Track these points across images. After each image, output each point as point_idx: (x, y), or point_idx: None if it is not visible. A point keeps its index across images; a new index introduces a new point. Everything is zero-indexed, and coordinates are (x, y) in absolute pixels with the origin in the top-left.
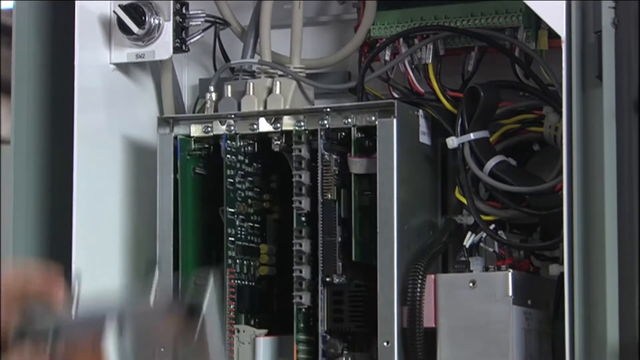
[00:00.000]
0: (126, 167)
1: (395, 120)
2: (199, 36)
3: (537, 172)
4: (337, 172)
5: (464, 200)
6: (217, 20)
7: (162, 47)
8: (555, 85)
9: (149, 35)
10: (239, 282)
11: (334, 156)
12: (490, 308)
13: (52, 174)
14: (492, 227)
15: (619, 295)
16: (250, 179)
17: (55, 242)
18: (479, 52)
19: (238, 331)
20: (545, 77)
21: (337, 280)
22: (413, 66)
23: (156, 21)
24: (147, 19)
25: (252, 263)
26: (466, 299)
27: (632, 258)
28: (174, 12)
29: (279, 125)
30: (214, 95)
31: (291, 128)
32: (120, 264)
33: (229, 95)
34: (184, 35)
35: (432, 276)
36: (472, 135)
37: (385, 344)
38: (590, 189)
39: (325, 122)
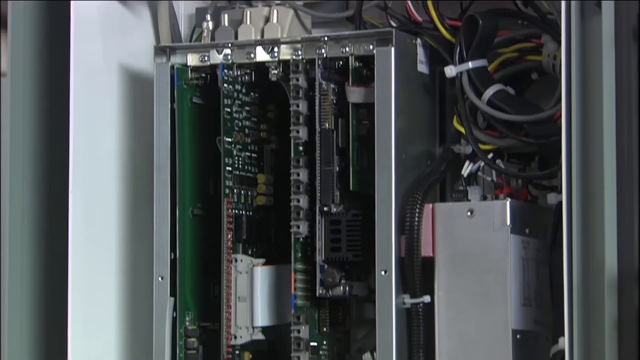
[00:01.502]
0: (123, 97)
1: (393, 49)
2: None
3: (536, 101)
4: (334, 101)
5: (462, 130)
6: None
7: None
8: (554, 13)
9: None
10: (236, 211)
11: (332, 85)
12: (488, 237)
13: (49, 106)
14: (490, 156)
15: (618, 223)
16: (247, 108)
17: (53, 172)
18: None
19: (236, 261)
20: (544, 5)
21: (334, 209)
22: None
23: None
24: None
25: (249, 193)
26: (464, 228)
27: (630, 186)
28: None
29: (276, 54)
30: (210, 24)
31: (288, 57)
32: (117, 195)
33: (226, 24)
34: None
35: (430, 205)
36: (470, 64)
37: (382, 272)
38: (589, 117)
39: (323, 51)
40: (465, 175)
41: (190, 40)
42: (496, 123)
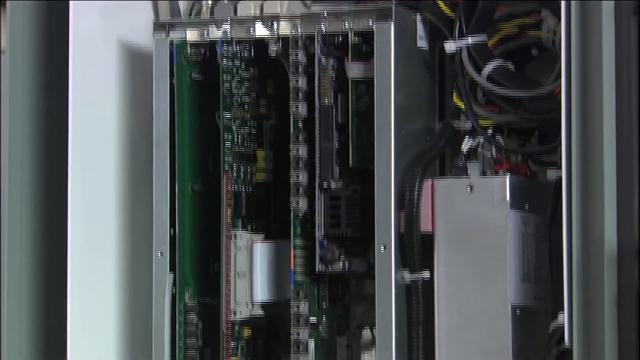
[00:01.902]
0: (122, 73)
1: (392, 25)
2: None
3: (536, 77)
4: (334, 77)
5: (462, 105)
6: None
7: None
8: None
9: None
10: (236, 187)
11: (331, 61)
12: (488, 213)
13: (48, 83)
14: (489, 131)
15: (617, 199)
16: (246, 84)
17: (51, 149)
18: None
19: (235, 237)
20: None
21: (334, 185)
22: None
23: None
24: None
25: (249, 169)
26: (463, 203)
27: (630, 162)
28: None
29: (275, 30)
30: (209, 0)
31: (288, 33)
32: (116, 171)
33: None
34: None
35: (430, 181)
36: (470, 40)
37: (382, 248)
38: (589, 93)
39: (322, 26)
40: (464, 151)
41: (190, 16)
42: (496, 98)
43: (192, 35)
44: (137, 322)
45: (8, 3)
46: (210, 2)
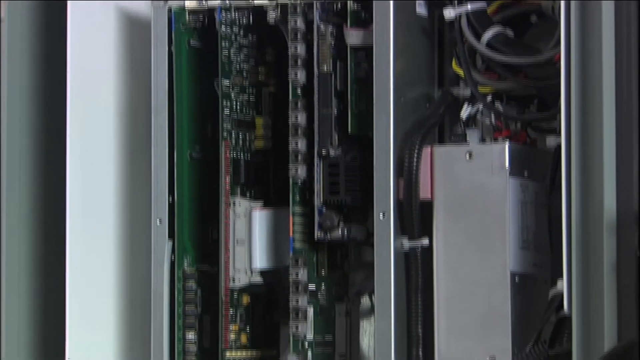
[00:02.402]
0: (120, 40)
1: None
2: None
3: (535, 45)
4: (333, 44)
5: (461, 72)
6: None
7: None
8: None
9: None
10: (234, 155)
11: (330, 28)
12: (487, 180)
13: (46, 49)
14: (488, 98)
15: (616, 166)
16: (245, 51)
17: (50, 116)
18: None
19: (234, 204)
20: None
21: (332, 152)
22: None
23: None
24: None
25: (247, 136)
26: (462, 170)
27: (629, 128)
28: None
29: None
30: None
31: (286, 0)
32: (115, 138)
33: None
34: None
35: (429, 148)
36: (469, 6)
37: (381, 215)
38: (588, 59)
39: None
40: (463, 118)
41: None
42: (495, 65)
43: (190, 2)
44: (135, 295)
45: None
46: None
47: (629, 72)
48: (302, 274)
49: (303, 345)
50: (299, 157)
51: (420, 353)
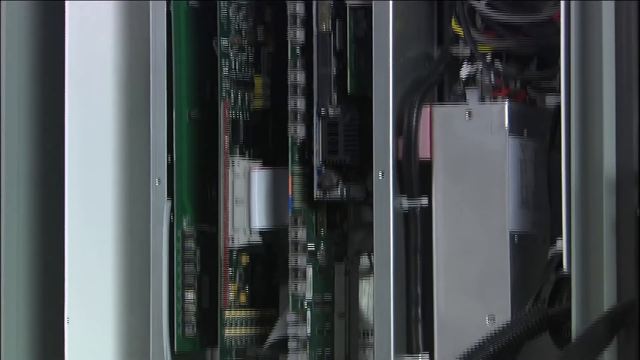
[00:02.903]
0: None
1: None
2: None
3: (534, 3)
4: (332, 3)
5: (460, 31)
6: None
7: None
8: None
9: None
10: (233, 114)
11: None
12: (486, 139)
13: (44, 11)
14: (488, 57)
15: (616, 124)
16: (244, 10)
17: (48, 73)
18: None
19: (233, 164)
20: None
21: (332, 112)
22: None
23: None
24: None
25: (246, 96)
26: (462, 130)
27: (629, 87)
28: None
29: None
30: None
31: None
32: (113, 98)
33: None
34: None
35: (428, 107)
36: None
37: (380, 175)
38: (588, 17)
39: None
40: (463, 77)
41: None
42: (494, 24)
43: None
44: (134, 255)
45: None
46: None
47: (628, 29)
48: (301, 234)
49: (302, 304)
50: (298, 117)
51: (419, 312)
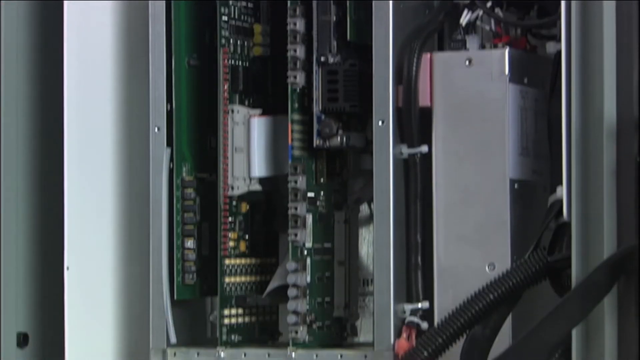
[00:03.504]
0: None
1: None
2: None
3: None
4: None
5: None
6: None
7: None
8: None
9: None
10: (232, 62)
11: None
12: (486, 86)
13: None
14: (488, 4)
15: (617, 71)
16: None
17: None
18: None
19: (232, 111)
20: None
21: (331, 59)
22: None
23: None
24: None
25: (245, 43)
26: (462, 77)
27: (629, 33)
28: None
29: None
30: None
31: None
32: (112, 43)
33: None
34: None
35: (428, 55)
36: None
37: (380, 123)
38: None
39: None
40: (463, 24)
41: None
42: None
43: None
44: (134, 203)
45: None
46: None
47: None
48: (301, 182)
49: (302, 252)
50: (298, 64)
51: (419, 260)
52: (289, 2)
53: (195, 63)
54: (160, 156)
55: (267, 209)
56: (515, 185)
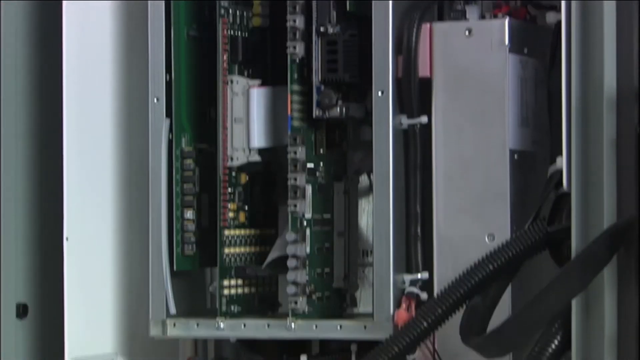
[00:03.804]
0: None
1: None
2: None
3: None
4: None
5: None
6: None
7: None
8: None
9: None
10: (232, 32)
11: None
12: (486, 56)
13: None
14: None
15: (617, 41)
16: None
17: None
18: None
19: (231, 82)
20: None
21: (331, 30)
22: None
23: None
24: None
25: (245, 13)
26: (462, 47)
27: (630, 2)
28: None
29: None
30: None
31: None
32: (111, 14)
33: None
34: None
35: (428, 25)
36: None
37: (379, 93)
38: None
39: None
40: None
41: None
42: None
43: None
44: (133, 175)
45: None
46: None
47: None
48: (300, 153)
49: (301, 223)
50: (297, 35)
51: (419, 231)
52: None
53: (194, 34)
54: (159, 127)
55: (266, 179)
56: (515, 156)
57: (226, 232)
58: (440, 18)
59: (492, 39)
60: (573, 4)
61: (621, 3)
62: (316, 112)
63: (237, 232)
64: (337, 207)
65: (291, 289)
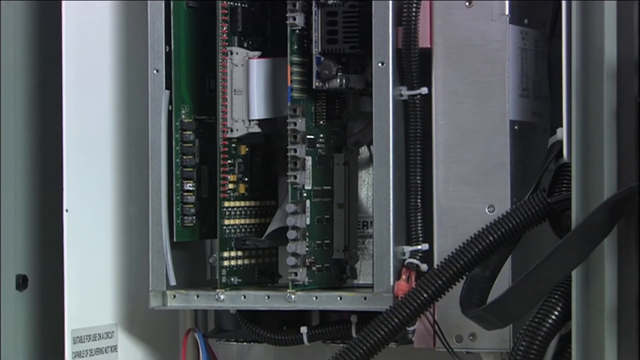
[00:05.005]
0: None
1: None
2: None
3: None
4: None
5: None
6: None
7: None
8: None
9: None
10: (231, 3)
11: None
12: (487, 27)
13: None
14: None
15: (617, 12)
16: None
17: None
18: None
19: (231, 53)
20: None
21: (331, 0)
22: None
23: None
24: None
25: None
26: (462, 18)
27: None
28: None
29: None
30: None
31: None
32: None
33: None
34: None
35: None
36: None
37: (379, 64)
38: None
39: None
40: None
41: None
42: None
43: None
44: (132, 146)
45: None
46: None
47: None
48: (300, 124)
49: (301, 194)
50: (297, 5)
51: (419, 202)
52: None
53: (194, 5)
54: (159, 98)
55: (266, 151)
56: (515, 127)
57: (226, 203)
58: None
59: (492, 9)
60: None
61: None
62: (316, 83)
63: (237, 203)
64: (337, 178)
65: (291, 261)
